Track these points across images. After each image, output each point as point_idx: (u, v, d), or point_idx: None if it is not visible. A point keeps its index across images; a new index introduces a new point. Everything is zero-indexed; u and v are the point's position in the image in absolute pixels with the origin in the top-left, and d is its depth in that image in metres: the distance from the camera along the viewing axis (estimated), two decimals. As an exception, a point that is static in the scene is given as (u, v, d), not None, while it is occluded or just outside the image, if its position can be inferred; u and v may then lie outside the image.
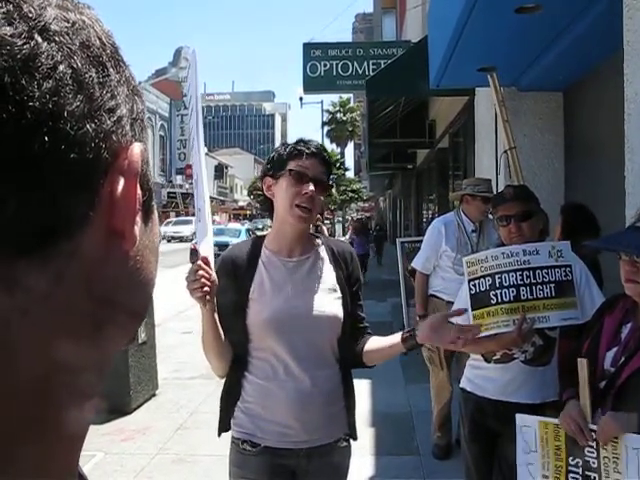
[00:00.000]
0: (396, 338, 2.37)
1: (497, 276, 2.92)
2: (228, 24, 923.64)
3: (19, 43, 0.42)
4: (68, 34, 0.46)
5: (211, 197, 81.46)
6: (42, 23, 0.44)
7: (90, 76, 0.47)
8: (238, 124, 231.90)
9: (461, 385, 3.40)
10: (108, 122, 0.48)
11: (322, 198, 2.40)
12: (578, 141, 5.75)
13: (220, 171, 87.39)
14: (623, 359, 2.21)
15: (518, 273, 2.90)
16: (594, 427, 2.29)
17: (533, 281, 2.89)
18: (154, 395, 6.87)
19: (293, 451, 2.37)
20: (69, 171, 0.45)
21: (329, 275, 2.47)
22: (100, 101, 0.47)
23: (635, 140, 2.86)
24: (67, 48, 0.45)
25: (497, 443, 3.21)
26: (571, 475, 2.36)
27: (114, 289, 0.51)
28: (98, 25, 0.50)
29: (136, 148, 0.51)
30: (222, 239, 22.84)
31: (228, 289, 2.36)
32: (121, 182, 0.49)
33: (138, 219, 0.51)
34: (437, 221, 5.43)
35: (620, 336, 2.27)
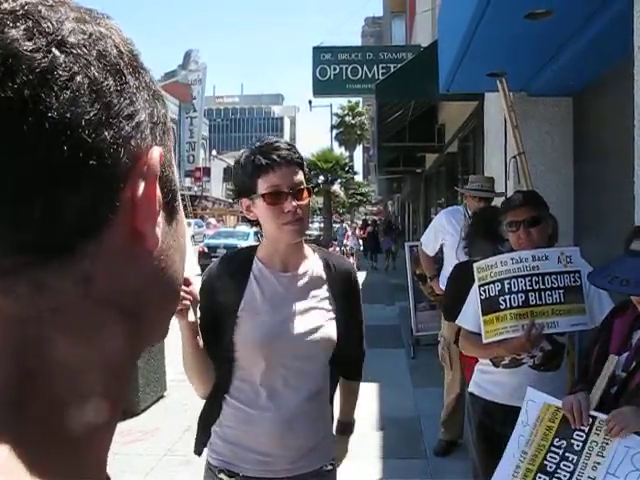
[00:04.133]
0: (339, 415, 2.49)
1: (506, 281, 2.93)
2: (236, 27, 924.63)
3: (38, 57, 0.44)
4: (85, 46, 0.48)
5: (220, 200, 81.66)
6: (60, 37, 0.46)
7: (107, 84, 0.48)
8: (247, 127, 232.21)
9: (469, 389, 3.40)
10: (127, 128, 0.49)
11: (308, 200, 2.17)
12: (588, 146, 5.73)
13: (229, 174, 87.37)
14: (634, 364, 2.20)
15: (527, 279, 2.91)
16: (595, 414, 2.28)
17: (542, 287, 2.90)
18: (162, 397, 6.90)
19: None
20: (90, 176, 0.46)
21: (325, 293, 2.28)
22: (118, 108, 0.49)
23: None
24: (84, 59, 0.47)
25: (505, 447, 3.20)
26: (550, 455, 2.36)
27: (141, 288, 0.53)
28: (117, 34, 0.52)
29: (155, 152, 0.52)
30: (230, 242, 22.80)
31: (215, 302, 2.20)
32: (141, 185, 0.50)
33: (160, 220, 0.52)
34: (443, 211, 5.99)
35: (631, 341, 2.26)
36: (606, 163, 5.05)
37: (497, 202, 5.01)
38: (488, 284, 2.97)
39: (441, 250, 5.72)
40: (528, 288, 2.90)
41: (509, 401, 3.09)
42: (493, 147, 6.92)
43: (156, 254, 0.53)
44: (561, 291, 2.89)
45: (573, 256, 2.95)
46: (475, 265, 3.08)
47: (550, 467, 2.33)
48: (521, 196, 3.19)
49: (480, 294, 2.98)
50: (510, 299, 2.90)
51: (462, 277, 3.44)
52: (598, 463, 2.18)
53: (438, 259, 5.93)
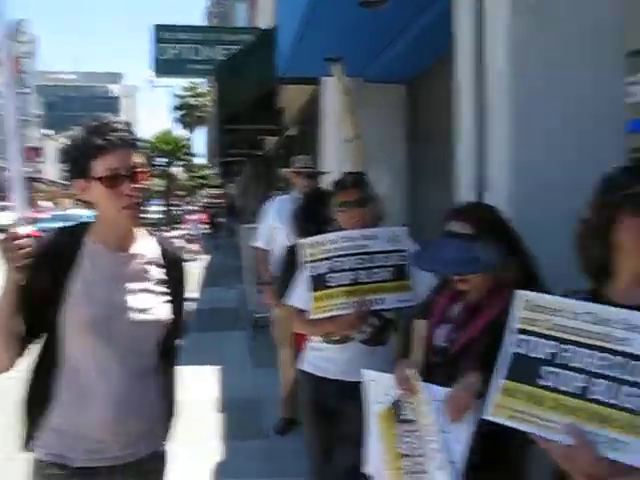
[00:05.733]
0: None
1: (336, 259, 3.01)
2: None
3: None
4: None
5: (55, 182, 77.65)
6: None
7: None
8: (84, 105, 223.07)
9: (298, 366, 3.45)
10: None
11: (146, 183, 2.12)
12: (418, 132, 6.00)
13: (63, 154, 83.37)
14: (455, 335, 2.33)
15: (356, 257, 3.00)
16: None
17: (371, 265, 3.00)
18: None
19: (107, 469, 2.11)
20: None
21: (162, 276, 2.25)
22: None
23: (462, 127, 3.08)
24: None
25: (339, 423, 3.25)
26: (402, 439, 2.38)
27: None
28: None
29: None
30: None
31: (42, 280, 2.03)
32: None
33: None
34: (270, 202, 5.79)
35: (452, 314, 2.39)
36: (435, 148, 5.31)
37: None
38: (317, 261, 3.04)
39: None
40: (357, 266, 2.99)
41: (341, 376, 3.17)
42: (329, 131, 7.07)
43: None
44: (389, 269, 3.02)
45: (401, 235, 3.08)
46: (304, 242, 3.12)
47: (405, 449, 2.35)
48: (351, 178, 3.29)
49: (310, 270, 3.06)
50: (340, 277, 2.98)
51: (293, 259, 3.50)
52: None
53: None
